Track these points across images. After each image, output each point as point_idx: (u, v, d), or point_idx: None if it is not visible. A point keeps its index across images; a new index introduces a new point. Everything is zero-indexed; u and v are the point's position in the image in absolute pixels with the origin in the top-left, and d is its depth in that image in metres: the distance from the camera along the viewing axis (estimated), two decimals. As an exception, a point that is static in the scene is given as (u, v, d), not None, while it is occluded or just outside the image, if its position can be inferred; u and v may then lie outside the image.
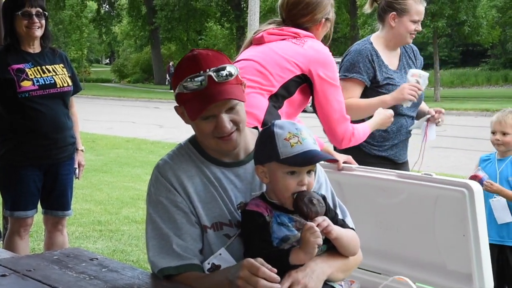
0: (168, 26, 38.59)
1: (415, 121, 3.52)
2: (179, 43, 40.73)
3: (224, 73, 1.85)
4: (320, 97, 2.81)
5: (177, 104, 1.94)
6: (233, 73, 1.88)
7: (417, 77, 3.31)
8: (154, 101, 26.16)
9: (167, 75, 37.63)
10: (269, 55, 2.79)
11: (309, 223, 1.73)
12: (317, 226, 1.74)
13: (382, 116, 3.11)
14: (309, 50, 2.78)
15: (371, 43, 3.42)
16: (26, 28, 3.60)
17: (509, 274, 3.50)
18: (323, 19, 2.91)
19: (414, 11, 3.34)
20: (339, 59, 3.50)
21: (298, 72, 2.77)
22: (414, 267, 2.79)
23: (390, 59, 3.44)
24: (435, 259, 2.72)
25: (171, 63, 36.71)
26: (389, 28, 3.40)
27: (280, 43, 2.83)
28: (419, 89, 3.26)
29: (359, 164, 3.06)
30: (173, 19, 38.36)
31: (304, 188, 1.82)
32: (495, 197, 3.50)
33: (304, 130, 1.85)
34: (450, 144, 11.85)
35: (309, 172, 1.84)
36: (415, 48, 3.62)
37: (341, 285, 1.93)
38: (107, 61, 70.89)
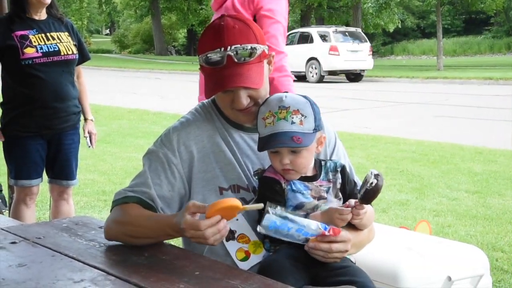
0: (168, -4, 38.27)
1: None
2: (180, 13, 40.34)
3: (245, 52, 1.78)
4: None
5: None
6: (255, 52, 1.80)
7: None
8: (155, 72, 26.03)
9: None
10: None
11: (347, 211, 1.71)
12: (354, 210, 1.72)
13: None
14: None
15: None
16: None
17: None
18: None
19: None
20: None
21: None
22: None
23: None
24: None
25: None
26: None
27: None
28: None
29: None
30: (173, -12, 38.02)
31: (288, 167, 1.76)
32: None
33: (293, 106, 1.75)
34: (453, 113, 11.81)
35: (293, 151, 1.75)
36: None
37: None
38: (107, 31, 70.34)
